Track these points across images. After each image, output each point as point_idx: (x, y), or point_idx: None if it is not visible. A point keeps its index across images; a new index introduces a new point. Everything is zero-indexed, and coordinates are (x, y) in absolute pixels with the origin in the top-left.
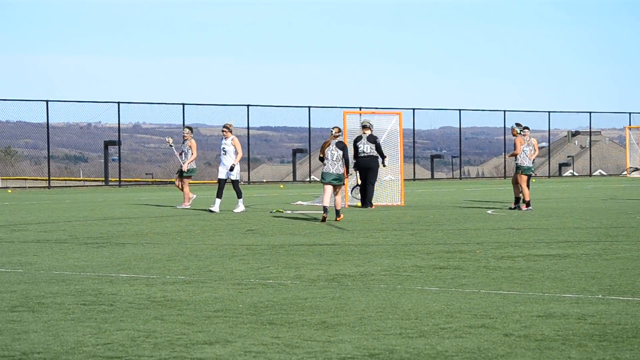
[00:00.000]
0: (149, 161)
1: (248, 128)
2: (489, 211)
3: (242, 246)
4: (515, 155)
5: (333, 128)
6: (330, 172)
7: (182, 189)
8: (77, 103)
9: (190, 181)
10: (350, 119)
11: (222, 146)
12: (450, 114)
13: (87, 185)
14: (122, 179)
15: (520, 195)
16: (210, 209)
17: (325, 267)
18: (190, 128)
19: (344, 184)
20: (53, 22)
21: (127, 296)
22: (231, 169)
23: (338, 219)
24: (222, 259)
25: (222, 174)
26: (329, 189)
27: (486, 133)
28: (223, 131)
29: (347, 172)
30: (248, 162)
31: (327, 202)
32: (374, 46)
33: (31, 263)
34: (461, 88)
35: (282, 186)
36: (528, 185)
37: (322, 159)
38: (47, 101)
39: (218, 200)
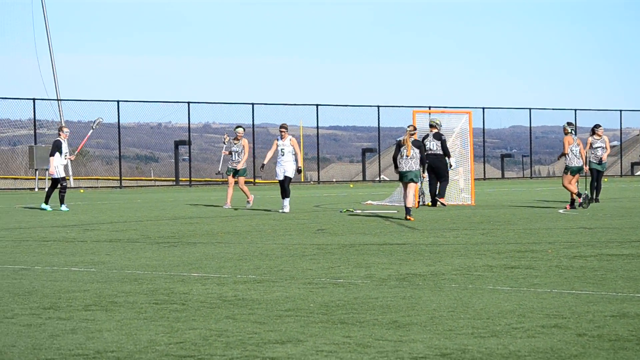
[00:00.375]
0: (219, 161)
1: (317, 127)
2: (560, 210)
3: (313, 245)
4: (563, 155)
5: (409, 126)
6: (407, 170)
7: (235, 188)
8: (147, 103)
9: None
10: (419, 118)
11: (280, 147)
12: (520, 112)
13: (157, 185)
14: (192, 179)
15: (581, 191)
16: (283, 210)
17: (396, 266)
18: (243, 128)
19: (419, 182)
20: (123, 23)
21: (199, 295)
22: (299, 171)
23: (409, 217)
24: (292, 258)
25: (280, 176)
26: (408, 187)
27: (556, 132)
28: (281, 131)
29: (423, 170)
30: (318, 161)
31: (410, 202)
32: (444, 45)
33: (104, 262)
34: (531, 86)
35: (351, 185)
36: (599, 184)
37: (395, 159)
38: (118, 101)
39: (287, 200)
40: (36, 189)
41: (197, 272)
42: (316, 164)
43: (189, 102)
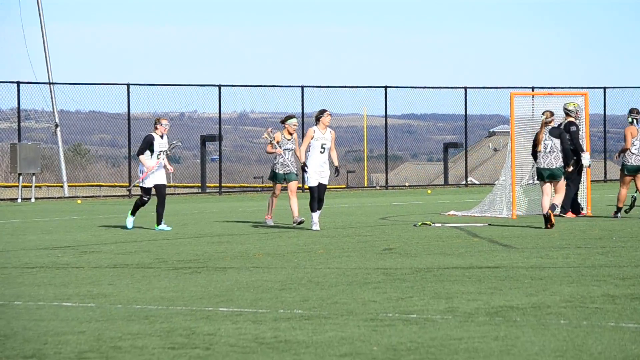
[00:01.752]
0: (258, 161)
1: (386, 116)
2: None
3: (378, 270)
4: (625, 151)
5: (544, 113)
6: (544, 166)
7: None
8: (165, 87)
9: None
10: (518, 102)
11: (321, 142)
12: None
13: (178, 193)
14: (223, 184)
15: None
16: (314, 227)
17: (486, 297)
18: (296, 118)
19: (562, 179)
20: None
21: (229, 337)
22: (337, 172)
23: (549, 225)
24: (351, 286)
25: (315, 181)
26: (547, 188)
27: None
28: (324, 119)
29: (568, 163)
30: (386, 160)
31: (546, 207)
32: (547, 11)
33: (105, 295)
34: None
35: (429, 191)
36: None
37: (535, 154)
38: (128, 85)
39: (318, 214)
40: (19, 200)
41: (227, 306)
42: (384, 164)
43: (219, 85)
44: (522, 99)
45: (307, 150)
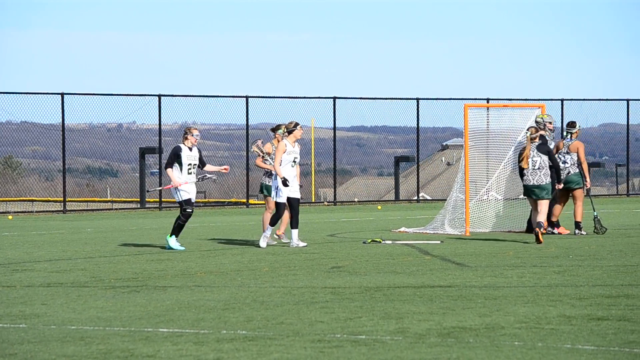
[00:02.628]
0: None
1: (334, 129)
2: None
3: (325, 289)
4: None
5: (528, 129)
6: (533, 183)
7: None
8: (102, 97)
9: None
10: (473, 114)
11: (293, 155)
12: (614, 106)
13: (116, 209)
14: (163, 199)
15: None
16: (298, 244)
17: (438, 317)
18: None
19: (549, 198)
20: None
21: (169, 359)
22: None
23: (539, 240)
24: (297, 306)
25: (284, 197)
26: (534, 205)
27: None
28: (296, 131)
29: (560, 180)
30: (334, 174)
31: (542, 217)
32: (503, 22)
33: (38, 315)
34: (629, 71)
35: (379, 207)
36: None
37: (521, 170)
38: (62, 94)
39: (297, 231)
40: None
41: (167, 326)
42: (332, 179)
43: (159, 95)
44: (476, 111)
45: (289, 165)
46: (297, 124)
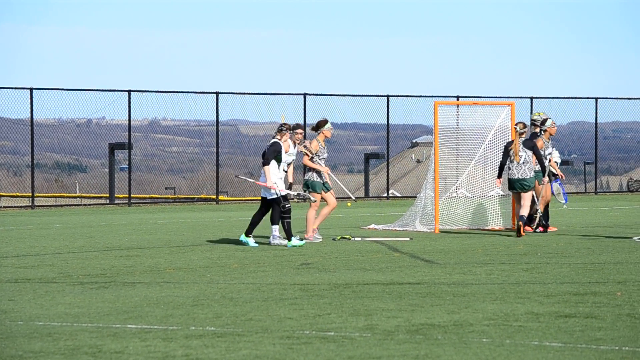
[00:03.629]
0: (170, 171)
1: (305, 125)
2: (636, 238)
3: (294, 286)
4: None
5: (517, 124)
6: (518, 177)
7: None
8: (72, 92)
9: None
10: (443, 112)
11: (292, 156)
12: (583, 104)
13: (84, 204)
14: (133, 195)
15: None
16: (283, 243)
17: (406, 314)
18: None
19: (530, 190)
20: None
21: (137, 355)
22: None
23: (521, 233)
24: (266, 302)
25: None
26: (518, 198)
27: (635, 130)
28: (299, 133)
29: (544, 174)
30: (304, 171)
31: (525, 211)
32: (474, 21)
33: (5, 311)
34: (598, 70)
35: (349, 204)
36: None
37: (502, 166)
38: (31, 89)
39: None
40: None
41: (136, 322)
42: (301, 175)
43: (129, 91)
44: (446, 109)
45: (285, 166)
46: (299, 125)
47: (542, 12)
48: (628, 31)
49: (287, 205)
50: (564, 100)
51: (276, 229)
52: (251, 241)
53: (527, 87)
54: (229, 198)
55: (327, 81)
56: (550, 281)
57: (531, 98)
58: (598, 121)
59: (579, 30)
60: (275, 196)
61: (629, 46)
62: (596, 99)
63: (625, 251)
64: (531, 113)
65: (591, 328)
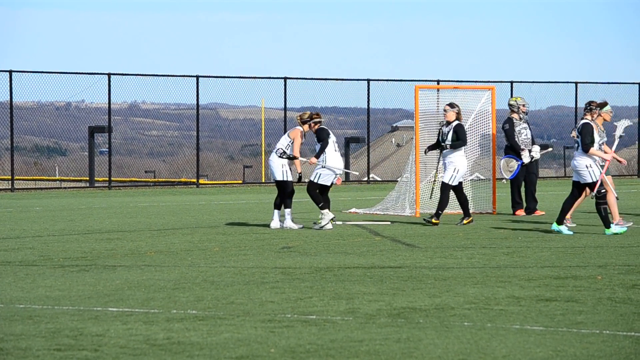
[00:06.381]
0: (150, 154)
1: (285, 109)
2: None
3: (276, 269)
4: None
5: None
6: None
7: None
8: (51, 75)
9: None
10: (424, 95)
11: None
12: (563, 88)
13: (64, 187)
14: (113, 178)
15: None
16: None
17: (388, 297)
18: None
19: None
20: None
21: (118, 338)
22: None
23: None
24: (247, 286)
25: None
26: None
27: (615, 115)
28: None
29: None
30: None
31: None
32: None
33: None
34: (578, 54)
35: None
36: None
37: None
38: (10, 71)
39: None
40: None
41: (117, 306)
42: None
43: (109, 74)
44: (427, 93)
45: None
46: (312, 115)
47: None
48: (607, 16)
49: (602, 191)
50: (544, 84)
51: (289, 212)
52: (564, 229)
53: (508, 72)
54: (209, 182)
55: (307, 65)
56: (531, 265)
57: (511, 82)
58: (578, 105)
59: (559, 15)
60: (589, 181)
61: (608, 31)
62: (576, 83)
63: (606, 235)
64: (511, 97)
65: (572, 312)
